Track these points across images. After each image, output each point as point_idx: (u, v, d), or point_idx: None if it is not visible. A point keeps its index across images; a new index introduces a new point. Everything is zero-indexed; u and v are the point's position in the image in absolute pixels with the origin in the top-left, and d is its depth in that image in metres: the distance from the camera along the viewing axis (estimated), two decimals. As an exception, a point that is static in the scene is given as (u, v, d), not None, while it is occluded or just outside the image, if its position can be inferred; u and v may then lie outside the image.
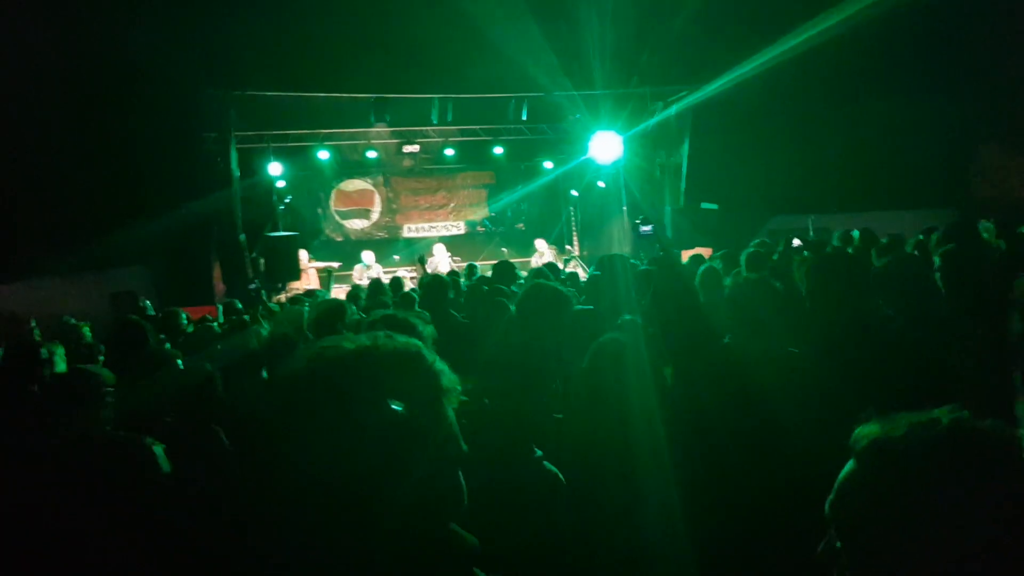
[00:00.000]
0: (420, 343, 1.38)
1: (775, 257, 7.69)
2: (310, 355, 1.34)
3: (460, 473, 1.34)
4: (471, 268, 11.23)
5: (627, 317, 3.83)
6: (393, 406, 1.24)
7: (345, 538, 1.23)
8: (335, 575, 1.24)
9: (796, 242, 10.03)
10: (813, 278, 3.73)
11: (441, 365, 1.36)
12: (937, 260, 3.92)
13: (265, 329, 5.58)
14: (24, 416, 3.73)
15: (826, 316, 3.63)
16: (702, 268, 6.10)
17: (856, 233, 8.69)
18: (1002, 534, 1.10)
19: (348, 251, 17.73)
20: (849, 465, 1.25)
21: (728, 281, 6.37)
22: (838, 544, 1.25)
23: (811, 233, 12.06)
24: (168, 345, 5.87)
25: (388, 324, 2.92)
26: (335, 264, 16.30)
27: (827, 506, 1.26)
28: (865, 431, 1.25)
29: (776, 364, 3.48)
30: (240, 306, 9.31)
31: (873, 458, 1.21)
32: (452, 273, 11.66)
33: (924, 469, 1.15)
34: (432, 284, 6.50)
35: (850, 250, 7.41)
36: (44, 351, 4.27)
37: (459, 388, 1.36)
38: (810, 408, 3.06)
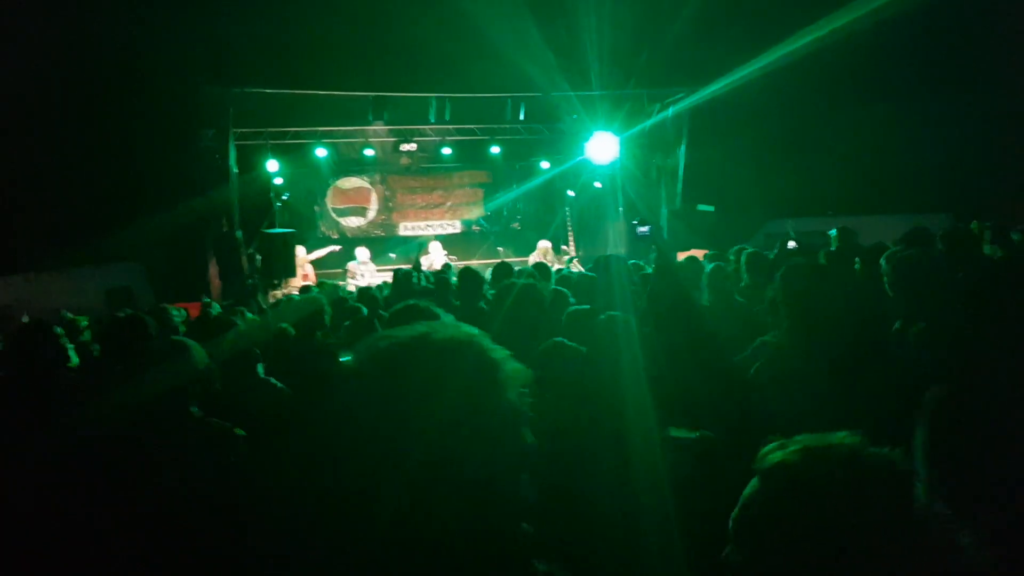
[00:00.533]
0: (477, 332, 1.37)
1: (771, 257, 7.75)
2: (367, 345, 1.34)
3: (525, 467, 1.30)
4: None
5: (615, 314, 3.86)
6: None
7: (399, 530, 1.22)
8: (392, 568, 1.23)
9: (792, 244, 10.08)
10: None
11: (500, 354, 1.34)
12: (883, 263, 3.98)
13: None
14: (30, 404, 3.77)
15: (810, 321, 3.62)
16: (710, 267, 6.18)
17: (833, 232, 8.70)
18: (880, 551, 1.18)
19: (344, 248, 17.74)
20: (753, 482, 1.31)
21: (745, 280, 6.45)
22: (735, 554, 1.32)
23: (786, 236, 12.13)
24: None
25: (410, 313, 2.95)
26: (335, 248, 16.35)
27: (731, 520, 1.32)
28: (769, 452, 1.32)
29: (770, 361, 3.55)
30: (216, 307, 9.22)
31: (774, 478, 1.28)
32: (446, 267, 11.73)
33: (817, 490, 1.22)
34: (465, 275, 6.54)
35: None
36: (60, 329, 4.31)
37: (523, 378, 1.33)
38: (801, 404, 3.11)
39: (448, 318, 3.05)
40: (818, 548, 1.20)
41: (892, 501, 1.21)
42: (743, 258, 6.72)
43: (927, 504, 1.45)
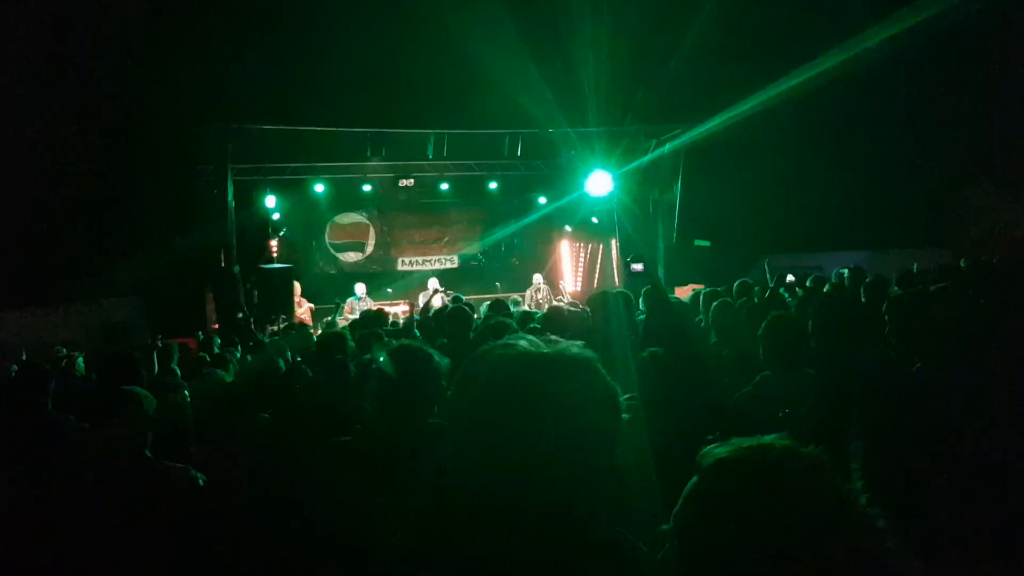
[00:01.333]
0: (595, 355, 1.45)
1: (766, 293, 7.76)
2: (491, 359, 1.41)
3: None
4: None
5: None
6: None
7: (499, 537, 1.29)
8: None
9: (790, 278, 10.10)
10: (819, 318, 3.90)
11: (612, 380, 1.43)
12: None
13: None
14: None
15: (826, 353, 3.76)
16: (716, 303, 6.20)
17: (845, 272, 8.78)
18: (809, 547, 1.23)
19: (341, 283, 17.74)
20: (693, 479, 1.38)
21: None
22: (673, 550, 1.38)
23: (767, 273, 12.16)
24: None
25: (406, 353, 2.95)
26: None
27: (672, 515, 1.39)
28: (708, 450, 1.39)
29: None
30: (218, 342, 9.24)
31: (711, 474, 1.34)
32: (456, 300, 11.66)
33: (750, 486, 1.29)
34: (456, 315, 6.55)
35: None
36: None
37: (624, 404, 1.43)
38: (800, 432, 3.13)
39: (444, 361, 3.06)
40: (751, 542, 1.25)
41: (821, 498, 1.27)
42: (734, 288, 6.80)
43: (857, 505, 1.48)
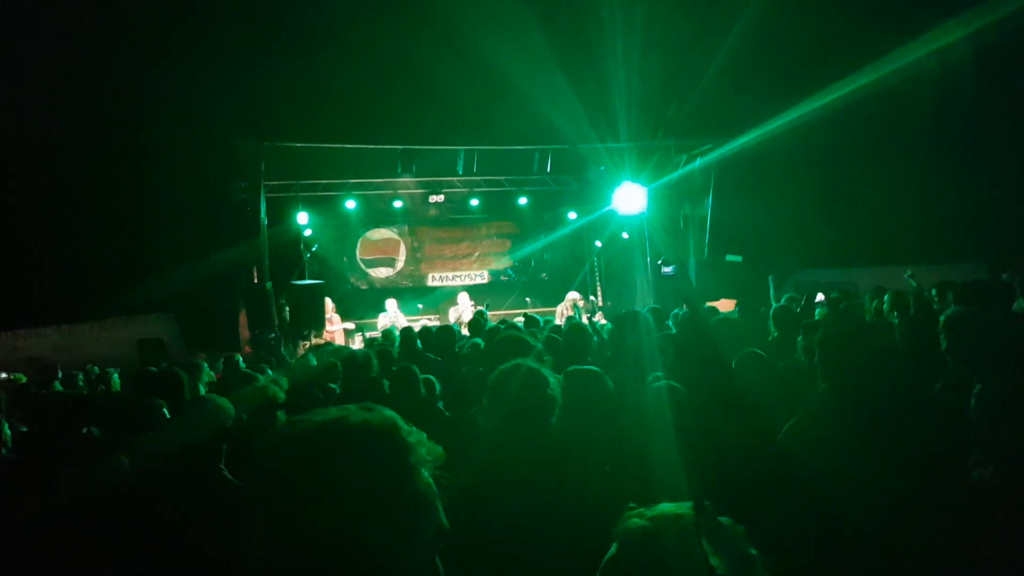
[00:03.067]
0: (396, 416, 1.38)
1: (798, 310, 7.67)
2: (280, 429, 1.37)
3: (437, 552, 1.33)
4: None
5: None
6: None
7: None
8: None
9: (820, 296, 10.00)
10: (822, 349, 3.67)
11: (414, 437, 1.35)
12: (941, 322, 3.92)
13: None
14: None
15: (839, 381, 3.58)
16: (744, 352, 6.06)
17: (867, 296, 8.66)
18: None
19: (372, 299, 17.82)
20: (612, 547, 1.41)
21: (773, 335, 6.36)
22: None
23: (771, 290, 12.01)
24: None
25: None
26: (349, 326, 16.37)
27: None
28: (629, 517, 1.42)
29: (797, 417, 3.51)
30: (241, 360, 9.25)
31: (627, 542, 1.38)
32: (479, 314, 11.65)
33: (664, 553, 1.32)
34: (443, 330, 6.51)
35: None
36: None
37: (436, 460, 1.36)
38: (832, 461, 3.06)
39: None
40: None
41: (733, 564, 1.30)
42: (771, 312, 6.64)
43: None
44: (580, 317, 12.65)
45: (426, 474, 1.33)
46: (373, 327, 15.52)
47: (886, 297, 7.36)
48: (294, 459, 1.28)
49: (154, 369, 5.62)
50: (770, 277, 14.01)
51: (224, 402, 3.60)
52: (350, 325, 16.24)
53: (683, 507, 1.37)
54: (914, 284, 9.51)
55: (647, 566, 1.31)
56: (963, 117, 14.89)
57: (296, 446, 1.30)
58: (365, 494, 1.25)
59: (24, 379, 9.41)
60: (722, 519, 1.36)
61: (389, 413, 1.38)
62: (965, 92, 14.35)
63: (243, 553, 1.26)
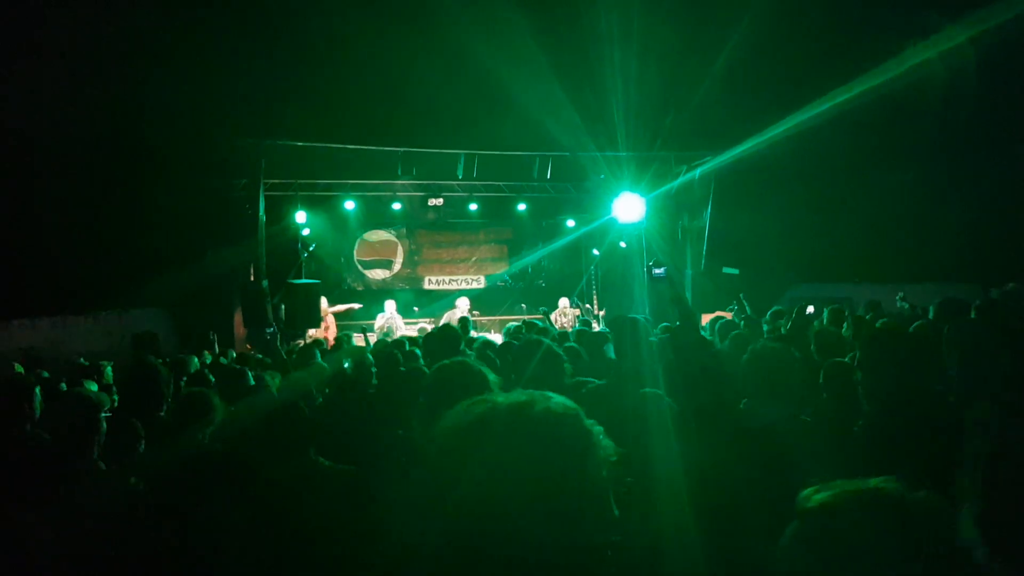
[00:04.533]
0: (574, 404, 1.37)
1: (788, 324, 7.69)
2: (462, 410, 1.36)
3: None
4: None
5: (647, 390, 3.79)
6: None
7: None
8: None
9: (810, 309, 10.01)
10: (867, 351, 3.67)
11: (596, 428, 1.35)
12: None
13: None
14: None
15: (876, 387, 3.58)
16: (733, 333, 6.11)
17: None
18: None
19: (368, 300, 17.82)
20: (795, 523, 1.34)
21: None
22: None
23: (745, 307, 12.01)
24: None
25: (461, 370, 2.91)
26: (356, 305, 16.37)
27: (776, 559, 1.36)
28: (810, 494, 1.35)
29: (794, 431, 3.50)
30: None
31: (815, 519, 1.30)
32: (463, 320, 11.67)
33: (860, 532, 1.25)
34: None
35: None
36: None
37: (613, 452, 1.35)
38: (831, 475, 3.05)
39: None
40: None
41: (933, 543, 1.23)
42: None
43: (969, 549, 1.43)
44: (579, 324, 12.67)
45: (604, 467, 1.32)
46: (370, 328, 15.50)
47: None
48: (477, 440, 1.29)
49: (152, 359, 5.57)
50: (740, 294, 14.03)
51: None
52: (356, 305, 16.23)
53: (871, 482, 1.31)
54: (906, 307, 9.54)
55: (833, 540, 1.26)
56: (965, 130, 14.90)
57: (480, 428, 1.31)
58: (550, 479, 1.25)
59: (22, 370, 9.36)
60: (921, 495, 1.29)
61: (568, 401, 1.38)
62: (967, 104, 14.37)
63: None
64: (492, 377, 2.76)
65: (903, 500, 1.27)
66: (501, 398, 1.35)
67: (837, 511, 1.28)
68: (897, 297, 10.02)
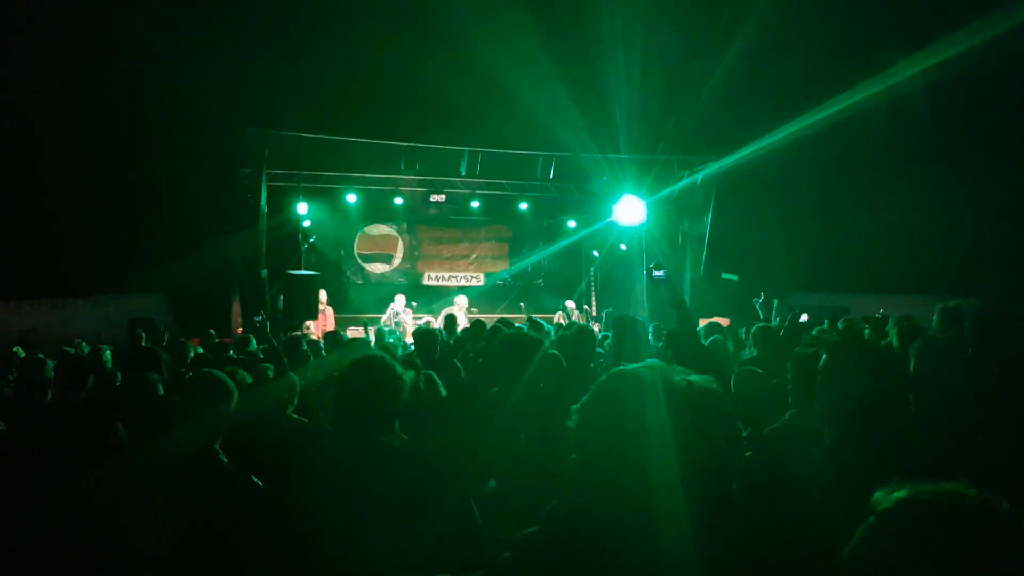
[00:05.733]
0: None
1: (781, 334, 7.69)
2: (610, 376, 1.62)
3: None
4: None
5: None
6: None
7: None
8: None
9: (803, 317, 10.03)
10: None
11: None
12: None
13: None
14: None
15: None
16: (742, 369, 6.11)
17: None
18: None
19: (367, 294, 17.82)
20: (871, 520, 1.31)
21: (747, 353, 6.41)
22: None
23: (798, 310, 12.04)
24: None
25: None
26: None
27: (842, 556, 1.34)
28: (888, 492, 1.33)
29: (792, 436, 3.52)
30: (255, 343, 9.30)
31: (897, 516, 1.28)
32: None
33: (945, 533, 1.22)
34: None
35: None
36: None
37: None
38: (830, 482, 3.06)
39: None
40: None
41: (1017, 553, 1.21)
42: (752, 330, 6.72)
43: None
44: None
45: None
46: (372, 321, 15.51)
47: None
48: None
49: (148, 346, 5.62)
50: (754, 300, 14.03)
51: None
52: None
53: (945, 485, 1.30)
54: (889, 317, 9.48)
55: (909, 538, 1.25)
56: (968, 139, 14.89)
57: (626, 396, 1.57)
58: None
59: (23, 353, 9.35)
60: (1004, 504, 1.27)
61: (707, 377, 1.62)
62: (969, 112, 14.37)
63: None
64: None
65: (989, 506, 1.25)
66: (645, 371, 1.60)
67: (921, 509, 1.27)
68: (879, 312, 9.99)
